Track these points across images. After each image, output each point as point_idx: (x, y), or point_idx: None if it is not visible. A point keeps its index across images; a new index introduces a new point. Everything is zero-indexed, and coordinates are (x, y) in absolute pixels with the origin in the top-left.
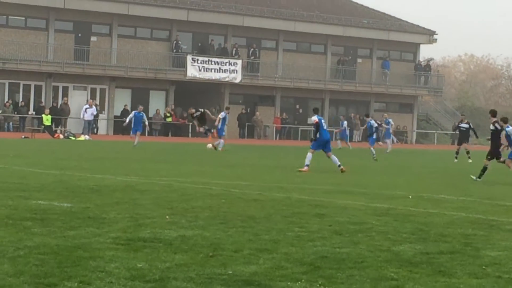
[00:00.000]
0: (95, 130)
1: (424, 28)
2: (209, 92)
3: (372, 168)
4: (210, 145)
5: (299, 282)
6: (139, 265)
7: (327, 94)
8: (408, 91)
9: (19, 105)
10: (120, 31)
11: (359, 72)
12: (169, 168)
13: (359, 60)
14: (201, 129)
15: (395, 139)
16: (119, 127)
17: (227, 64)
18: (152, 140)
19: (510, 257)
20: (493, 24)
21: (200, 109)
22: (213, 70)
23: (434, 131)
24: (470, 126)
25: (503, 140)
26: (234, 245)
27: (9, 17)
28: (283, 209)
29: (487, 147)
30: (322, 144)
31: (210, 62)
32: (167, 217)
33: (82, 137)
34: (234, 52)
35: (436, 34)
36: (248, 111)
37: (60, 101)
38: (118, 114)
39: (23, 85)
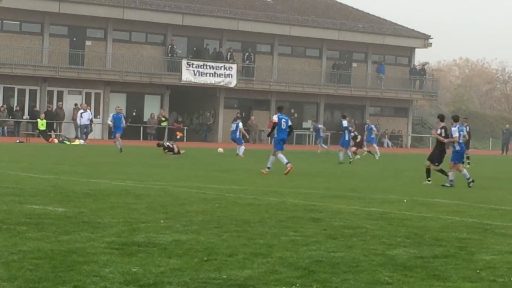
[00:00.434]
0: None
1: (419, 32)
2: (204, 96)
3: (366, 172)
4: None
5: (294, 287)
6: (133, 270)
7: (322, 98)
8: (403, 95)
9: (14, 109)
10: (115, 36)
11: (354, 76)
12: (164, 173)
13: (354, 64)
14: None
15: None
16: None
17: (222, 68)
18: (147, 144)
19: (504, 261)
20: (488, 29)
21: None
22: (208, 75)
23: (429, 135)
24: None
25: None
26: (229, 249)
27: (4, 21)
28: (277, 213)
29: (481, 151)
30: (282, 142)
31: (205, 67)
32: (162, 221)
33: (77, 142)
34: (229, 56)
35: (431, 38)
36: (243, 115)
37: (55, 106)
38: None
39: (18, 89)
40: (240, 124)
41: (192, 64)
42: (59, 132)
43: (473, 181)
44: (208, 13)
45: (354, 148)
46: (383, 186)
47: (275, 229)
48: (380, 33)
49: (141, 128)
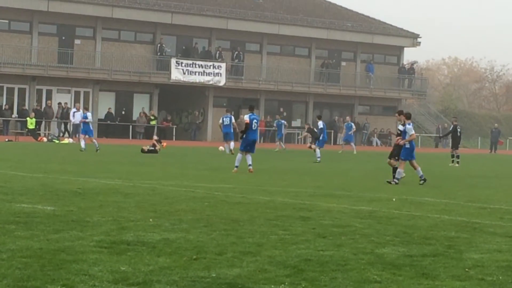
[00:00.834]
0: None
1: (408, 31)
2: (193, 95)
3: (356, 171)
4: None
5: (283, 285)
6: (122, 268)
7: (311, 97)
8: (392, 94)
9: (3, 108)
10: (104, 34)
11: (343, 75)
12: (153, 171)
13: (343, 63)
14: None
15: (352, 143)
16: (103, 130)
17: (211, 67)
18: (136, 143)
19: (493, 259)
20: (477, 28)
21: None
22: (197, 73)
23: (418, 134)
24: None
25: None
26: (218, 248)
27: None
28: (266, 212)
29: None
30: (249, 144)
31: (194, 65)
32: (151, 220)
33: (66, 140)
34: (218, 55)
35: (420, 37)
36: (233, 114)
37: (43, 104)
38: (102, 117)
39: (7, 88)
40: (233, 118)
41: (181, 63)
42: (48, 130)
43: (425, 180)
44: (197, 12)
45: (309, 144)
46: (372, 184)
47: (264, 227)
48: (369, 32)
49: (130, 127)
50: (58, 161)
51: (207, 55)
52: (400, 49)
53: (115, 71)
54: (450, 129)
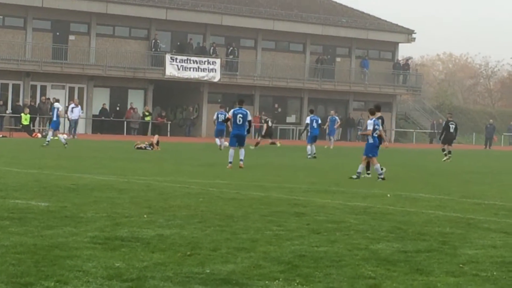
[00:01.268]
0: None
1: (402, 27)
2: (188, 91)
3: (350, 166)
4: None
5: (277, 281)
6: (116, 264)
7: (305, 93)
8: (387, 90)
9: None
10: (99, 30)
11: (338, 71)
12: (147, 167)
13: (338, 59)
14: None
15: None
16: (97, 126)
17: (206, 63)
18: (130, 139)
19: (487, 255)
20: (472, 23)
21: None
22: (191, 69)
23: (413, 130)
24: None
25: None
26: (212, 244)
27: None
28: (261, 208)
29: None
30: (236, 138)
31: (188, 61)
32: (145, 216)
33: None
34: (212, 51)
35: (415, 33)
36: (227, 110)
37: (38, 100)
38: (97, 113)
39: (1, 84)
40: (228, 114)
41: (176, 58)
42: (43, 126)
43: (383, 178)
44: (191, 8)
45: (259, 139)
46: (366, 180)
47: (259, 223)
48: (363, 28)
49: (125, 122)
50: (53, 157)
51: (201, 51)
52: (395, 45)
53: (110, 67)
54: (443, 125)
